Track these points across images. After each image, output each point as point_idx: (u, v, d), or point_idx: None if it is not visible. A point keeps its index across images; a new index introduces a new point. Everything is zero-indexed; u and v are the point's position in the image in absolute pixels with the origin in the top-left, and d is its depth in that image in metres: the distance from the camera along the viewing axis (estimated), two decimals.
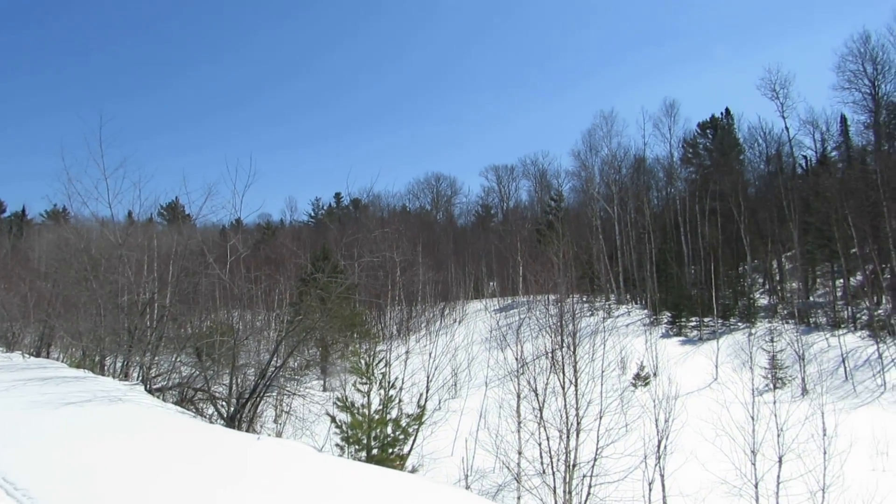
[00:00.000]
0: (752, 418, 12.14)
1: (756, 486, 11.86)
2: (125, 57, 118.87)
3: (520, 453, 14.00)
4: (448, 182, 71.13)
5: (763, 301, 40.21)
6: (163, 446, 5.98)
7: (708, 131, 52.87)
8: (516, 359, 14.87)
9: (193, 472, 4.99)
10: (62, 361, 14.75)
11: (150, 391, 10.25)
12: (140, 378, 11.31)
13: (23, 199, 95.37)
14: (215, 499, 4.25)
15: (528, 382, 13.60)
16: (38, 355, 16.39)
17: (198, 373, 11.34)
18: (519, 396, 14.53)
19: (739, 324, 35.88)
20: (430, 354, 14.61)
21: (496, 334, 24.34)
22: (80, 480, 4.62)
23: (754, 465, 11.92)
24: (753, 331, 32.77)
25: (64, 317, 15.65)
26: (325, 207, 72.99)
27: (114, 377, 11.55)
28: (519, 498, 13.55)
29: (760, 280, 43.40)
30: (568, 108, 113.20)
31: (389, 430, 10.72)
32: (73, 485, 4.52)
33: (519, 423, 14.59)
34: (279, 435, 13.85)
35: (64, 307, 16.08)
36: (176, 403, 10.07)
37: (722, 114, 52.95)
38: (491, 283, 51.86)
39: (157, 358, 11.67)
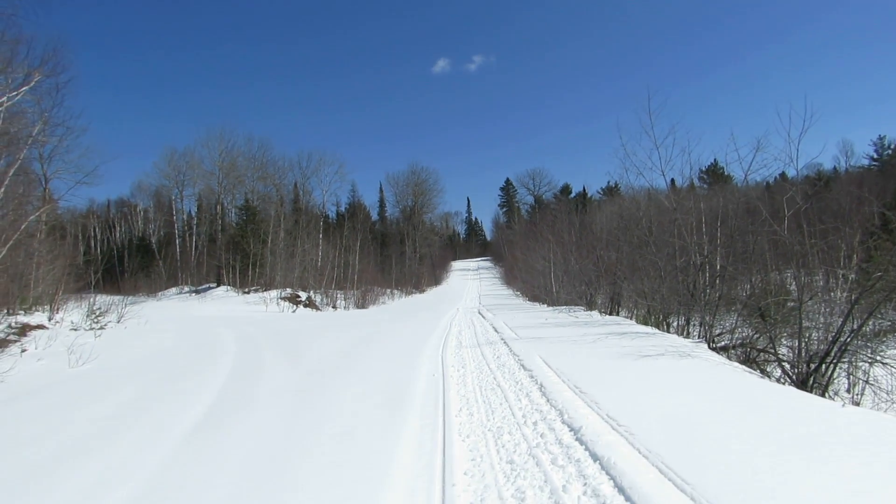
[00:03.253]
0: None
1: None
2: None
3: None
4: None
5: None
6: (738, 402, 6.09)
7: None
8: None
9: (774, 429, 4.86)
10: (630, 319, 16.78)
11: (713, 349, 10.67)
12: (701, 336, 11.89)
13: (583, 180, 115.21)
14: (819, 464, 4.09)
15: None
16: (609, 313, 19.10)
17: (758, 334, 11.16)
18: None
19: None
20: None
21: None
22: (667, 423, 5.20)
23: None
24: None
25: (629, 279, 17.82)
26: (891, 146, 59.90)
27: (677, 334, 12.49)
28: None
29: None
30: None
31: None
32: (663, 426, 5.12)
33: None
34: (856, 405, 12.31)
35: (629, 270, 18.26)
36: (740, 363, 10.18)
37: None
38: None
39: (716, 317, 12.02)
